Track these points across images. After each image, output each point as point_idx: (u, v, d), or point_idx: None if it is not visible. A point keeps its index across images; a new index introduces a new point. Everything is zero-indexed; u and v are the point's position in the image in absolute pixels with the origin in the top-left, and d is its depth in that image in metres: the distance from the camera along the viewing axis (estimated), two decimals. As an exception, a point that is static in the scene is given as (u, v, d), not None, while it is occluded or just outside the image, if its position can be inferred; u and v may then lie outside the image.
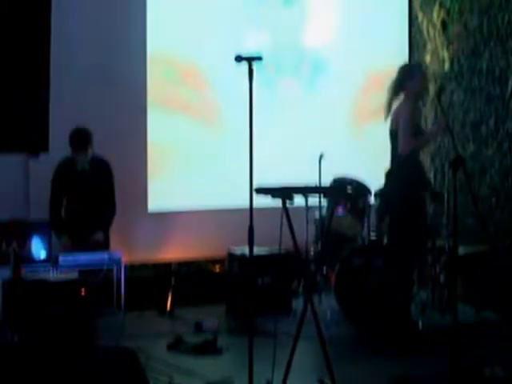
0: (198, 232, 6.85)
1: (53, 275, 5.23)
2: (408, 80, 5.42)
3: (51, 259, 5.35)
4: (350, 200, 6.09)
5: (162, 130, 6.79)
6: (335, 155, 6.36)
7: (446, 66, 7.34)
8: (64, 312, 4.74)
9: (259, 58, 3.81)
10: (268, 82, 7.10)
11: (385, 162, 5.59)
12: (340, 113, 7.46)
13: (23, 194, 6.25)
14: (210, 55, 6.87)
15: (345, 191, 5.52)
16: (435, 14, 7.48)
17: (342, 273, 5.73)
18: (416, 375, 4.55)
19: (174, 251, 6.84)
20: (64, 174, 5.90)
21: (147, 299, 6.27)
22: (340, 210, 6.11)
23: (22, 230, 5.33)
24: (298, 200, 4.29)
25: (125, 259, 5.61)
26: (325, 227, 6.06)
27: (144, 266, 6.84)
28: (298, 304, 6.17)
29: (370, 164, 6.90)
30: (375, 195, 6.13)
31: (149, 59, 6.72)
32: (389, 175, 5.56)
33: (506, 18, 6.62)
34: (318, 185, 6.00)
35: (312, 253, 6.35)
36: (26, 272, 5.00)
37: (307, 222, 6.15)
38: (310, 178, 5.70)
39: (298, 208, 5.54)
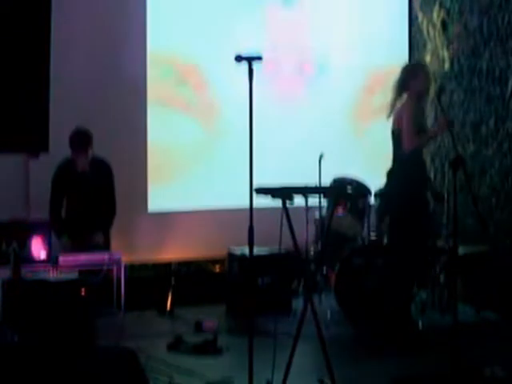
0: (197, 232, 6.84)
1: (53, 275, 5.23)
2: (411, 80, 5.42)
3: (51, 259, 5.35)
4: (349, 200, 6.09)
5: (162, 130, 6.79)
6: (335, 155, 6.36)
7: (446, 65, 7.33)
8: (64, 312, 4.74)
9: (259, 58, 3.82)
10: (268, 82, 7.09)
11: (385, 162, 5.58)
12: (340, 113, 7.45)
13: (23, 194, 6.25)
14: (210, 55, 6.86)
15: (345, 191, 5.52)
16: (435, 14, 7.48)
17: (342, 273, 5.74)
18: (416, 375, 4.55)
19: (173, 251, 6.83)
20: (64, 175, 5.89)
21: (147, 299, 6.27)
22: (340, 210, 6.12)
23: (21, 230, 5.32)
24: (298, 200, 4.28)
25: (125, 259, 5.61)
26: (325, 227, 6.06)
27: (144, 266, 6.84)
28: (298, 304, 6.17)
29: (370, 164, 6.91)
30: (375, 195, 6.13)
31: (149, 59, 6.72)
32: (390, 174, 5.55)
33: (506, 18, 6.62)
34: (318, 185, 6.00)
35: (312, 253, 6.35)
36: (25, 272, 4.99)
37: (307, 222, 6.15)
38: (310, 178, 5.70)
39: (298, 208, 5.53)
